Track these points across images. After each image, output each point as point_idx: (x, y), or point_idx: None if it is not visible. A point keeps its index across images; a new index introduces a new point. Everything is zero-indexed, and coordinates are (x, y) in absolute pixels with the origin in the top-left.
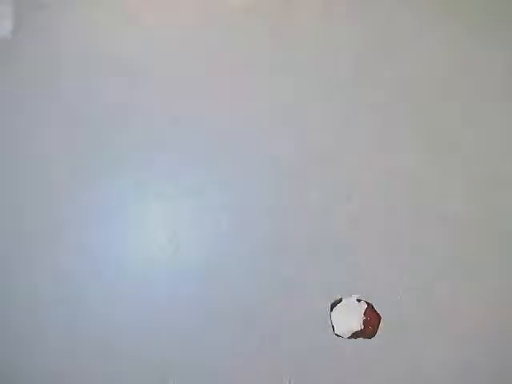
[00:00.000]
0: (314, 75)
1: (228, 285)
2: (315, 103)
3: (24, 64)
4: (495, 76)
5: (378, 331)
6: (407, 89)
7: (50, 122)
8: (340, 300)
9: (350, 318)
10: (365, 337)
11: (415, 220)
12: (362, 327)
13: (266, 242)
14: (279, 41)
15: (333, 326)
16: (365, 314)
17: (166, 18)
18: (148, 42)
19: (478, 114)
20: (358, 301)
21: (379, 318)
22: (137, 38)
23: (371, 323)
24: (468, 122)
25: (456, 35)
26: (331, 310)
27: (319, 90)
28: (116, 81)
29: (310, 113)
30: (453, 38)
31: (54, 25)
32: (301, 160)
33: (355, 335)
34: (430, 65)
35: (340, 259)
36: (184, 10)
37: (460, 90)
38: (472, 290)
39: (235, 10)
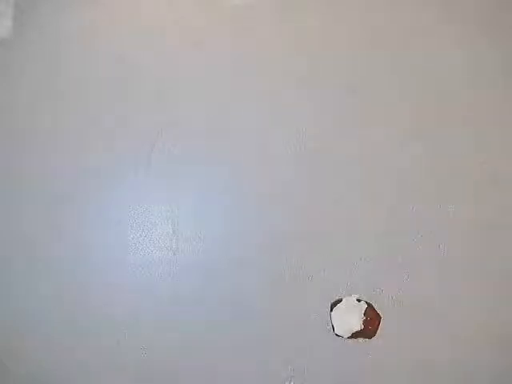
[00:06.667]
0: (315, 75)
1: (228, 285)
2: (315, 103)
3: (24, 64)
4: (497, 75)
5: (378, 331)
6: (408, 89)
7: (50, 122)
8: (340, 300)
9: (350, 318)
10: (365, 337)
11: (415, 219)
12: (362, 327)
13: (266, 242)
14: (279, 40)
15: (333, 326)
16: (365, 313)
17: (167, 18)
18: (148, 42)
19: (479, 115)
20: (358, 301)
21: (379, 317)
22: (137, 38)
23: (371, 323)
24: (470, 124)
25: (462, 34)
26: (331, 310)
27: (319, 89)
28: (116, 80)
29: (310, 113)
30: (458, 36)
31: (54, 25)
32: (300, 160)
33: (355, 335)
34: (431, 64)
35: (340, 259)
36: (185, 10)
37: (461, 89)
38: (472, 290)
39: (236, 9)
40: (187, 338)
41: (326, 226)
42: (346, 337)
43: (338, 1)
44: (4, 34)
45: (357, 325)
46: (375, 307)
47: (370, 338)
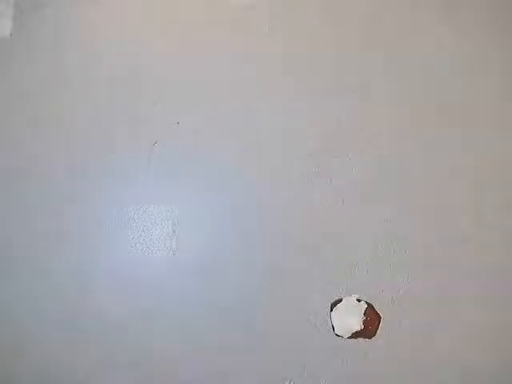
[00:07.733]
0: (315, 75)
1: (228, 285)
2: (315, 103)
3: (24, 64)
4: (496, 75)
5: (378, 331)
6: (408, 89)
7: (51, 122)
8: (340, 300)
9: (350, 318)
10: (365, 337)
11: (415, 220)
12: (362, 327)
13: (266, 242)
14: (279, 40)
15: (333, 326)
16: (365, 313)
17: (167, 18)
18: (148, 42)
19: (479, 115)
20: (358, 301)
21: (379, 318)
22: (137, 38)
23: (371, 323)
24: (470, 124)
25: (462, 34)
26: (331, 310)
27: (319, 89)
28: (116, 80)
29: (310, 113)
30: (458, 36)
31: (54, 25)
32: (300, 159)
33: (355, 335)
34: (430, 63)
35: (340, 259)
36: (184, 10)
37: (461, 89)
38: (472, 290)
39: (236, 9)
40: (187, 337)
41: (327, 225)
42: (346, 337)
43: (339, 1)
44: (4, 34)
45: (357, 325)
46: (375, 307)
47: (370, 337)
